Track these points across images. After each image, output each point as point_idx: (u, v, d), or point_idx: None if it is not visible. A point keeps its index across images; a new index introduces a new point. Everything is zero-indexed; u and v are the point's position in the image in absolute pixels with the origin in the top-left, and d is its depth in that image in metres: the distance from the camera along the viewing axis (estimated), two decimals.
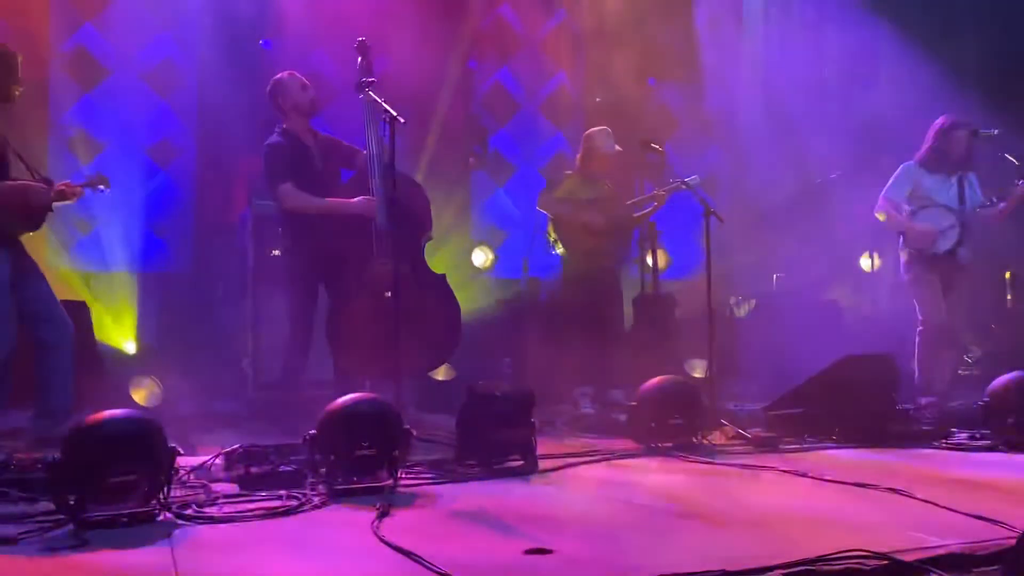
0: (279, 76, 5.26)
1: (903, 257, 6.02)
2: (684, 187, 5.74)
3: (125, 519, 3.02)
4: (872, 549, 2.45)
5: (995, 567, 2.41)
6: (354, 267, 5.07)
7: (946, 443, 4.67)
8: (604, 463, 4.26)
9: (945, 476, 3.84)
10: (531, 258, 7.26)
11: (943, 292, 5.84)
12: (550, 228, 6.20)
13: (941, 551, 2.50)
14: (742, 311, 7.83)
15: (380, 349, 4.47)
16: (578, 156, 6.32)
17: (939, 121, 5.97)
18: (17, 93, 4.37)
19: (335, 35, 7.72)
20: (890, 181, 6.02)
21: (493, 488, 3.72)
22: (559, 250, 6.20)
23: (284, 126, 5.19)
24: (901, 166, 6.03)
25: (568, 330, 5.98)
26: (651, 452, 4.47)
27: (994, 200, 5.89)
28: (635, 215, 6.35)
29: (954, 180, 5.93)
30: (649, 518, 3.16)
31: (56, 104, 6.99)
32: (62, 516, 2.97)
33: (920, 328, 5.87)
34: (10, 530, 2.87)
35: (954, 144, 5.87)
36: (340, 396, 3.71)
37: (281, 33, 7.37)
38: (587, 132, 6.33)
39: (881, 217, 6.05)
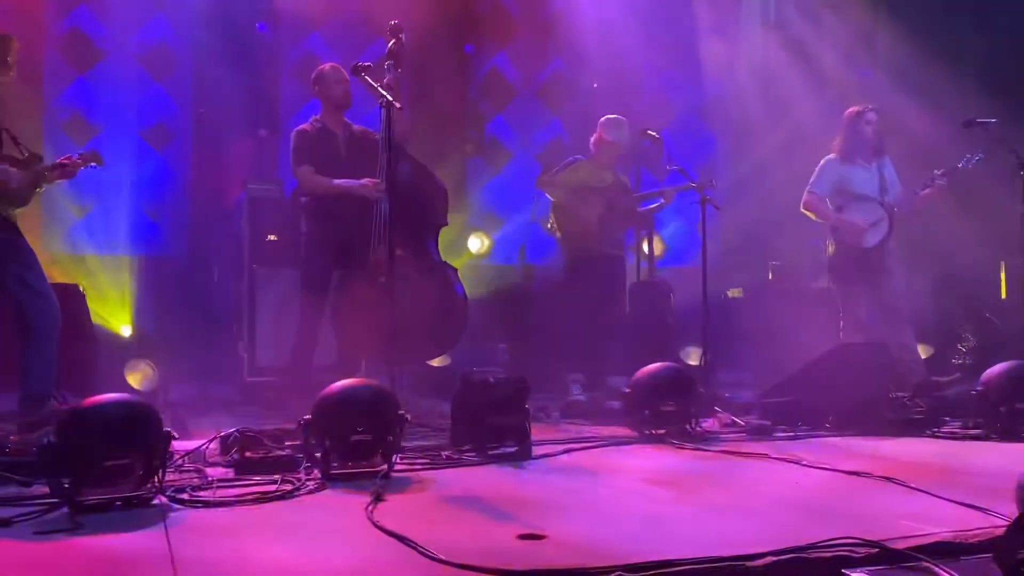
0: (322, 67, 5.42)
1: (830, 250, 6.05)
2: (692, 188, 5.65)
3: (119, 503, 3.02)
4: (863, 537, 2.47)
5: (985, 555, 2.42)
6: (361, 252, 5.11)
7: (939, 432, 4.69)
8: (598, 450, 4.27)
9: (937, 465, 3.85)
10: (527, 245, 7.25)
11: (875, 282, 5.86)
12: (550, 213, 6.19)
13: (932, 539, 2.52)
14: None
15: (379, 335, 4.47)
16: (591, 141, 6.29)
17: (849, 111, 6.04)
18: (5, 78, 4.32)
19: (331, 18, 7.70)
20: (813, 176, 6.05)
21: (487, 474, 3.73)
22: (557, 235, 6.18)
23: (318, 115, 5.38)
24: (823, 160, 6.06)
25: (565, 316, 5.96)
26: (645, 439, 4.48)
27: (916, 190, 5.93)
28: (640, 209, 6.34)
29: (874, 168, 5.98)
30: (642, 504, 3.17)
31: (50, 86, 6.96)
32: (56, 499, 2.97)
33: (842, 325, 5.93)
34: (5, 513, 2.87)
35: (866, 131, 5.93)
36: (340, 380, 3.72)
37: (277, 16, 7.33)
38: (601, 119, 6.29)
39: (809, 213, 6.07)
